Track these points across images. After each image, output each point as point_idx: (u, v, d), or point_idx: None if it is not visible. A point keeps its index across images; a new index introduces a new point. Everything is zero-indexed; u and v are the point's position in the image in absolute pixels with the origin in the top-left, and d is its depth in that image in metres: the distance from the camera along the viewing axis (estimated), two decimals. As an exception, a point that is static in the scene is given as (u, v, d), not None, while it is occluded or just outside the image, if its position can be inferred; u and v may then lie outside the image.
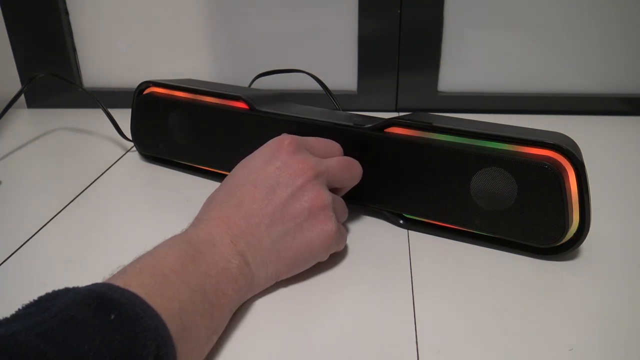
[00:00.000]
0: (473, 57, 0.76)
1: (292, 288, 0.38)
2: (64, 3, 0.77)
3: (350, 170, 0.42)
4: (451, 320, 0.35)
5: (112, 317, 0.24)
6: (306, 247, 0.37)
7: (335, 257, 0.42)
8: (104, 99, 0.65)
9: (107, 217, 0.49)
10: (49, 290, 0.26)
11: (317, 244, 0.37)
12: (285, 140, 0.39)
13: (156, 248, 0.33)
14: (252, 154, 0.40)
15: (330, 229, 0.38)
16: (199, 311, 0.30)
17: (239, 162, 0.52)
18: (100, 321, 0.24)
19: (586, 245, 0.40)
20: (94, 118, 0.72)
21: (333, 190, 0.42)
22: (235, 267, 0.34)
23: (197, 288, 0.30)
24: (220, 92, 0.52)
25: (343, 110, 0.67)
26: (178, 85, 0.55)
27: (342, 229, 0.41)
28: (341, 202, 0.42)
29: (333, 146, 0.44)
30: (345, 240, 0.42)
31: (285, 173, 0.38)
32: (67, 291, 0.26)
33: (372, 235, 0.45)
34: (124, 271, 0.29)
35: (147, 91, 0.56)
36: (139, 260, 0.31)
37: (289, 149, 0.39)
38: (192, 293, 0.30)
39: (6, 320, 0.24)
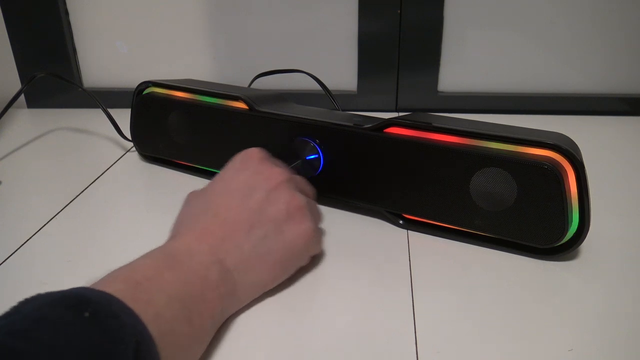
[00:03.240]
0: (473, 57, 0.76)
1: (292, 288, 0.38)
2: (64, 3, 0.77)
3: (309, 187, 0.43)
4: (451, 320, 0.35)
5: (87, 314, 0.24)
6: (287, 248, 0.37)
7: (335, 257, 0.42)
8: (104, 99, 0.65)
9: (106, 217, 0.49)
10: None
11: (298, 244, 0.37)
12: (253, 150, 0.41)
13: (133, 260, 0.32)
14: (221, 171, 0.40)
15: (309, 228, 0.38)
16: (177, 318, 0.29)
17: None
18: (75, 318, 0.23)
19: (586, 245, 0.40)
20: (94, 118, 0.72)
21: None
22: (216, 274, 0.33)
23: (175, 295, 0.30)
24: (219, 92, 0.52)
25: (343, 110, 0.67)
26: (178, 85, 0.55)
27: (319, 230, 0.41)
28: (314, 205, 0.42)
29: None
30: (322, 241, 0.42)
31: (257, 178, 0.38)
32: (39, 296, 0.25)
33: (372, 235, 0.45)
34: (97, 282, 0.29)
35: (146, 91, 0.56)
36: (113, 271, 0.30)
37: (258, 157, 0.40)
38: (168, 299, 0.29)
39: None
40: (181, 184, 0.55)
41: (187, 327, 0.30)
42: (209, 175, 0.55)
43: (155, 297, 0.28)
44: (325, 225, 0.47)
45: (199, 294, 0.31)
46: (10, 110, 0.67)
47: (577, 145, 0.41)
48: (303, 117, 0.47)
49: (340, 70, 0.78)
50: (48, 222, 0.48)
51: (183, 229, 0.36)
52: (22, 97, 0.81)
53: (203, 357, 0.32)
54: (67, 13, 0.78)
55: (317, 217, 0.41)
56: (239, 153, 0.41)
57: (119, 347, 0.23)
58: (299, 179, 0.42)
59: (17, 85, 0.79)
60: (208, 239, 0.34)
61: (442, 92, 0.78)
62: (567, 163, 0.38)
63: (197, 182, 0.55)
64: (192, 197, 0.39)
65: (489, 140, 0.41)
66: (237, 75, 0.78)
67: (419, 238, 0.44)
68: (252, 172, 0.39)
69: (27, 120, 0.77)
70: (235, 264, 0.34)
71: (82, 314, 0.24)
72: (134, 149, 0.63)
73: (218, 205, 0.37)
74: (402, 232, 0.45)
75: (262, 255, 0.36)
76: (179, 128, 0.54)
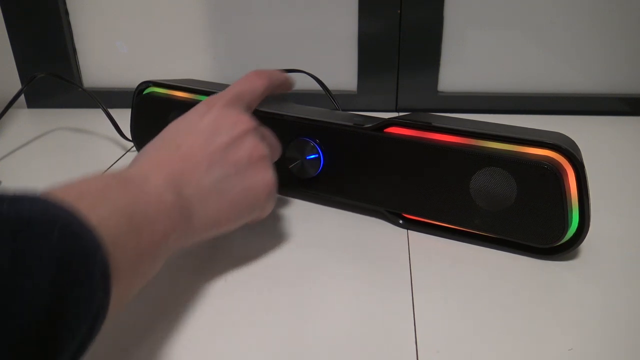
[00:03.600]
0: (473, 57, 0.76)
1: (291, 287, 0.38)
2: (64, 3, 0.77)
3: (276, 141, 0.42)
4: (450, 320, 0.35)
5: (55, 235, 0.22)
6: (246, 191, 0.36)
7: (335, 257, 0.42)
8: (104, 99, 0.65)
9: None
10: None
11: (257, 191, 0.37)
12: (220, 94, 0.40)
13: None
14: (185, 114, 0.39)
15: (270, 179, 0.38)
16: (123, 229, 0.27)
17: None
18: None
19: (586, 245, 0.40)
20: (94, 118, 0.72)
21: None
22: (170, 198, 0.31)
23: (122, 208, 0.27)
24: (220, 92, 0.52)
25: (343, 110, 0.67)
26: (178, 85, 0.55)
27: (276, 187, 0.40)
28: (276, 144, 0.42)
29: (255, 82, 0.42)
30: (274, 203, 0.40)
31: (222, 123, 0.37)
32: None
33: (371, 235, 0.45)
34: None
35: (147, 91, 0.56)
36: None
37: (223, 103, 0.39)
38: (113, 212, 0.27)
39: None
40: (181, 184, 0.54)
41: (135, 242, 0.28)
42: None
43: (98, 205, 0.26)
44: (325, 225, 0.47)
45: (150, 213, 0.29)
46: (10, 110, 0.67)
47: (577, 145, 0.41)
48: (303, 117, 0.47)
49: (340, 70, 0.78)
50: (48, 222, 0.47)
51: (140, 158, 0.35)
52: (22, 97, 0.81)
53: (201, 355, 0.32)
54: (67, 13, 0.78)
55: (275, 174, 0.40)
56: (205, 100, 0.40)
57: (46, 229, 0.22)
58: (265, 130, 0.41)
59: (17, 85, 0.79)
60: (166, 169, 0.33)
61: (442, 92, 0.78)
62: (567, 163, 0.38)
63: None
64: (173, 124, 0.38)
65: (489, 140, 0.41)
66: (237, 75, 0.77)
67: (419, 238, 0.44)
68: (218, 116, 0.38)
69: (27, 120, 0.77)
70: (192, 194, 0.33)
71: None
72: (134, 149, 0.63)
73: (181, 141, 0.36)
74: (402, 232, 0.45)
75: (220, 192, 0.35)
76: (179, 128, 0.54)
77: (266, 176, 0.38)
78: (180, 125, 0.38)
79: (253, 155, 0.37)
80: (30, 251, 0.21)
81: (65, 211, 0.24)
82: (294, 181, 0.49)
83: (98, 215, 0.25)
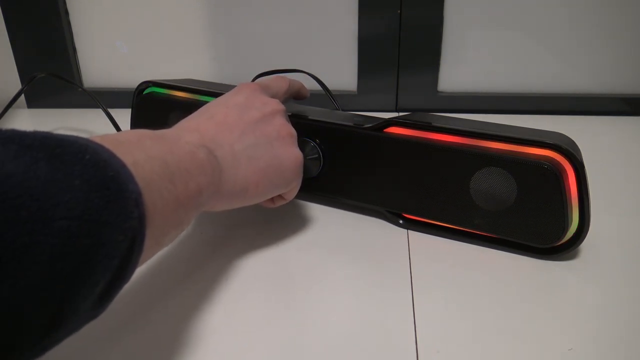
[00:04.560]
0: (473, 57, 0.76)
1: (291, 287, 0.38)
2: (64, 3, 0.77)
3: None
4: (451, 320, 0.35)
5: (87, 158, 0.23)
6: (275, 160, 0.38)
7: (335, 257, 0.42)
8: (104, 99, 0.65)
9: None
10: None
11: (286, 163, 0.39)
12: (250, 83, 0.43)
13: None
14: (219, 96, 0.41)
15: (298, 153, 0.40)
16: (157, 176, 0.27)
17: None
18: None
19: (586, 245, 0.40)
20: (94, 118, 0.72)
21: None
22: (203, 155, 0.32)
23: (156, 156, 0.28)
24: (219, 92, 0.52)
25: (343, 110, 0.67)
26: (178, 85, 0.55)
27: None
28: None
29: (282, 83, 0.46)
30: (297, 191, 0.42)
31: (255, 101, 0.40)
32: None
33: (372, 235, 0.45)
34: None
35: (147, 91, 0.56)
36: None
37: (254, 87, 0.42)
38: (148, 158, 0.27)
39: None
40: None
41: (168, 188, 0.28)
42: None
43: (134, 152, 0.27)
44: (325, 225, 0.47)
45: (184, 165, 0.30)
46: (10, 110, 0.67)
47: (577, 145, 0.41)
48: (303, 117, 0.47)
49: (340, 70, 0.78)
50: (48, 222, 0.47)
51: (177, 125, 0.36)
52: (22, 97, 0.81)
53: (201, 355, 0.32)
54: (67, 13, 0.78)
55: None
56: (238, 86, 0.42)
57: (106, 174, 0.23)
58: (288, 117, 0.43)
59: (17, 85, 0.79)
60: (200, 131, 0.35)
61: (442, 92, 0.78)
62: (567, 163, 0.38)
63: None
64: (207, 104, 0.40)
65: (489, 140, 0.41)
66: (237, 75, 0.78)
67: (419, 238, 0.44)
68: (250, 95, 0.40)
69: (27, 120, 0.77)
70: (224, 156, 0.35)
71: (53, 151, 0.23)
72: (134, 149, 0.63)
73: (214, 111, 0.38)
74: (402, 232, 0.45)
75: (250, 158, 0.37)
76: (179, 128, 0.54)
77: (294, 152, 0.40)
78: (214, 102, 0.40)
79: (282, 132, 0.39)
80: (64, 167, 0.22)
81: (104, 148, 0.25)
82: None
83: (133, 157, 0.26)
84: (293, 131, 0.41)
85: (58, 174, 0.22)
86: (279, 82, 0.46)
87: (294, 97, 0.49)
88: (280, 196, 0.41)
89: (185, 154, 0.31)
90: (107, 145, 0.25)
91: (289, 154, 0.39)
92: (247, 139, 0.37)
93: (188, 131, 0.35)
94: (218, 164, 0.34)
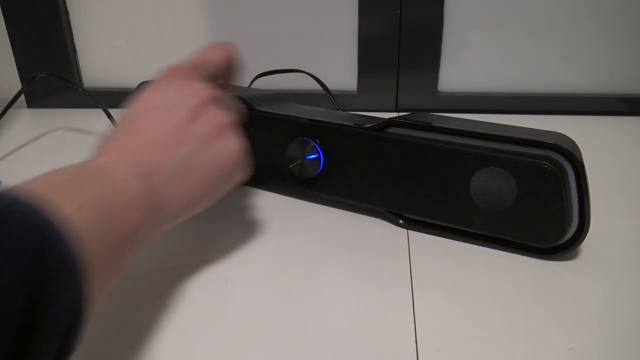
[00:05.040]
0: (473, 57, 0.76)
1: (291, 287, 0.38)
2: (64, 3, 0.77)
3: (238, 107, 0.41)
4: (451, 319, 0.35)
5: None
6: (217, 165, 0.36)
7: (335, 257, 0.42)
8: (104, 99, 0.65)
9: (107, 217, 0.49)
10: None
11: (225, 163, 0.36)
12: (174, 66, 0.39)
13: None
14: (141, 92, 0.38)
15: (237, 146, 0.37)
16: (93, 224, 0.26)
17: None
18: None
19: (586, 245, 0.40)
20: (94, 118, 0.72)
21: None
22: (137, 186, 0.31)
23: (90, 202, 0.27)
24: (220, 92, 0.52)
25: (343, 110, 0.67)
26: (178, 85, 0.54)
27: (246, 152, 0.39)
28: (236, 105, 0.41)
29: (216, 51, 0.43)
30: (251, 168, 0.40)
31: (181, 95, 0.36)
32: None
33: (372, 235, 0.45)
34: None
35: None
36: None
37: (177, 74, 0.38)
38: (82, 205, 0.26)
39: None
40: (181, 184, 0.54)
41: (105, 234, 0.27)
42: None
43: (69, 200, 0.26)
44: (325, 225, 0.47)
45: (119, 205, 0.29)
46: (10, 110, 0.67)
47: (577, 145, 0.41)
48: (303, 117, 0.47)
49: (340, 70, 0.78)
50: (48, 222, 0.47)
51: (107, 145, 0.34)
52: (22, 97, 0.81)
53: (201, 355, 0.32)
54: (67, 13, 0.78)
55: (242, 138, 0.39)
56: (161, 71, 0.39)
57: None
58: (224, 95, 0.40)
59: (17, 85, 0.79)
60: (132, 156, 0.32)
61: (442, 92, 0.78)
62: (567, 163, 0.38)
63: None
64: (131, 105, 0.37)
65: (489, 140, 0.41)
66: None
67: (419, 238, 0.44)
68: (175, 88, 0.37)
69: (27, 120, 0.77)
70: (159, 179, 0.32)
71: None
72: (134, 149, 0.63)
73: (140, 123, 0.35)
74: (402, 232, 0.45)
75: (187, 172, 0.34)
76: (179, 128, 0.54)
77: (232, 144, 0.37)
78: (139, 105, 0.36)
79: (215, 125, 0.36)
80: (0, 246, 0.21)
81: (34, 205, 0.23)
82: (294, 181, 0.49)
83: (69, 208, 0.25)
84: (227, 119, 0.37)
85: None
86: (213, 55, 0.42)
87: (228, 75, 0.44)
88: None
89: (116, 191, 0.29)
90: (38, 191, 0.24)
91: (227, 149, 0.36)
92: (181, 151, 0.34)
93: (122, 157, 0.32)
94: (155, 193, 0.32)
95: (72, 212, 0.25)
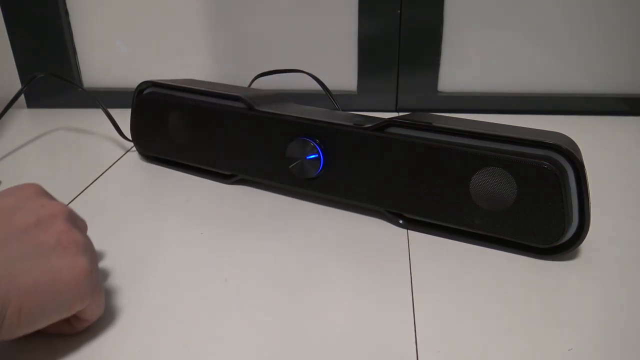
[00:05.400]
0: (473, 57, 0.76)
1: (291, 287, 0.38)
2: (64, 3, 0.77)
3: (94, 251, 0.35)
4: (451, 320, 0.35)
5: None
6: (49, 277, 0.29)
7: (335, 257, 0.42)
8: (104, 99, 0.65)
9: (106, 217, 0.49)
10: None
11: (65, 278, 0.30)
12: (26, 184, 0.34)
13: None
14: None
15: (83, 265, 0.31)
16: None
17: (238, 161, 0.52)
18: None
19: (586, 245, 0.40)
20: (94, 118, 0.72)
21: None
22: None
23: None
24: (219, 92, 0.52)
25: (343, 110, 0.67)
26: (178, 85, 0.55)
27: (100, 286, 0.33)
28: (95, 256, 0.34)
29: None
30: (103, 306, 0.34)
31: (29, 203, 0.32)
32: None
33: (372, 235, 0.45)
34: None
35: (147, 91, 0.56)
36: None
37: (33, 189, 0.34)
38: None
39: None
40: (181, 184, 0.55)
41: None
42: (209, 175, 0.55)
43: None
44: (325, 225, 0.47)
45: None
46: (10, 110, 0.67)
47: (577, 145, 0.41)
48: (303, 117, 0.47)
49: (340, 70, 0.78)
50: (48, 222, 0.47)
51: None
52: (22, 97, 0.81)
53: (201, 355, 0.32)
54: (67, 13, 0.78)
55: (95, 265, 0.33)
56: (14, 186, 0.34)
57: None
58: (81, 220, 0.36)
59: (17, 85, 0.79)
60: None
61: (442, 92, 0.78)
62: (567, 163, 0.38)
63: (197, 182, 0.55)
64: None
65: (489, 140, 0.41)
66: (238, 75, 0.78)
67: (419, 238, 0.44)
68: (26, 195, 0.33)
69: (27, 120, 0.77)
70: None
71: None
72: (134, 149, 0.63)
73: None
74: (402, 232, 0.45)
75: (14, 275, 0.28)
76: (179, 128, 0.54)
77: (78, 260, 0.31)
78: None
79: (63, 239, 0.31)
80: None
81: None
82: (294, 181, 0.49)
83: None
84: (79, 238, 0.32)
85: None
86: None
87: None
88: (76, 317, 0.32)
89: None
90: None
91: (68, 265, 0.30)
92: (10, 250, 0.28)
93: None
94: None
95: None
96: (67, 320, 0.32)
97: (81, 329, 0.33)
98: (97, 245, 0.44)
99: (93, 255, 0.33)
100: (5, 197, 0.32)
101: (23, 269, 0.28)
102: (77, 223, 0.34)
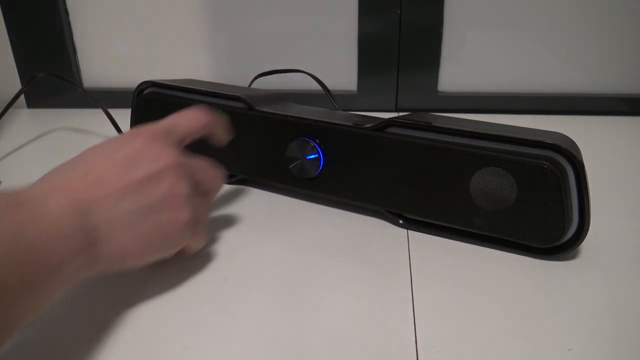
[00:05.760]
0: (473, 57, 0.76)
1: (291, 287, 0.38)
2: (64, 3, 0.77)
3: (213, 173, 0.41)
4: (451, 320, 0.35)
5: None
6: (159, 230, 0.34)
7: (335, 257, 0.42)
8: (104, 99, 0.65)
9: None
10: None
11: (172, 229, 0.35)
12: (143, 128, 0.37)
13: None
14: (106, 140, 0.37)
15: (184, 217, 0.36)
16: (7, 254, 0.25)
17: (238, 161, 0.52)
18: None
19: (586, 245, 0.40)
20: (94, 118, 0.72)
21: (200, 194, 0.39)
22: (71, 224, 0.29)
23: (6, 231, 0.26)
24: (219, 92, 0.52)
25: (343, 110, 0.67)
26: (178, 85, 0.55)
27: (202, 227, 0.39)
28: (204, 204, 0.40)
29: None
30: (205, 240, 0.40)
31: (144, 155, 0.35)
32: None
33: (372, 235, 0.45)
34: None
35: (147, 91, 0.56)
36: None
37: (149, 134, 0.36)
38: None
39: None
40: (181, 184, 0.54)
41: (21, 266, 0.26)
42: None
43: None
44: (325, 225, 0.47)
45: (43, 237, 0.27)
46: (10, 110, 0.67)
47: (577, 145, 0.41)
48: (303, 117, 0.47)
49: (340, 70, 0.78)
50: (48, 222, 0.47)
51: (46, 178, 0.33)
52: (22, 97, 0.81)
53: (201, 355, 0.32)
54: (67, 13, 0.78)
55: (200, 210, 0.38)
56: (131, 130, 0.38)
57: None
58: (196, 164, 0.39)
59: (17, 85, 0.79)
60: (72, 193, 0.31)
61: (442, 92, 0.78)
62: (567, 163, 0.38)
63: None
64: (90, 148, 0.36)
65: (489, 140, 0.41)
66: (238, 75, 0.78)
67: (419, 238, 0.44)
68: (141, 147, 0.35)
69: (27, 120, 0.77)
70: (99, 224, 0.31)
71: None
72: (134, 149, 0.63)
73: (94, 166, 0.33)
74: (402, 232, 0.45)
75: (129, 225, 0.33)
76: (179, 128, 0.54)
77: (181, 216, 0.35)
78: (97, 150, 0.35)
79: (170, 193, 0.35)
80: None
81: None
82: (294, 181, 0.49)
83: None
84: (184, 190, 0.36)
85: None
86: (191, 120, 0.40)
87: (210, 139, 0.44)
88: (181, 251, 0.39)
89: (47, 225, 0.28)
90: None
91: (174, 218, 0.35)
92: (127, 204, 0.33)
93: (56, 192, 0.30)
94: (91, 233, 0.31)
95: None
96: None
97: (190, 255, 0.40)
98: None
99: (200, 206, 0.38)
100: (124, 147, 0.35)
101: (137, 222, 0.33)
102: (188, 165, 0.38)
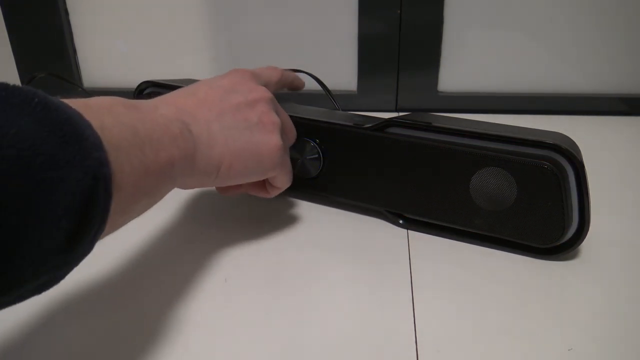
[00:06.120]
0: (473, 57, 0.76)
1: (291, 287, 0.38)
2: (64, 3, 0.77)
3: (291, 124, 0.44)
4: (451, 320, 0.35)
5: (36, 101, 0.22)
6: (253, 147, 0.37)
7: (335, 257, 0.42)
8: (104, 99, 0.65)
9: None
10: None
11: (265, 149, 0.38)
12: (238, 69, 0.42)
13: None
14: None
15: (278, 142, 0.39)
16: (126, 142, 0.27)
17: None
18: (22, 105, 0.22)
19: (586, 245, 0.40)
20: (94, 118, 0.72)
21: None
22: (177, 129, 0.32)
23: (126, 123, 0.27)
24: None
25: (343, 110, 0.67)
26: (178, 85, 0.54)
27: (289, 165, 0.42)
28: (291, 128, 0.44)
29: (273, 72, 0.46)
30: (290, 181, 0.43)
31: (242, 87, 0.39)
32: None
33: (372, 235, 0.45)
34: None
35: (147, 91, 0.56)
36: None
37: (243, 73, 0.41)
38: (117, 123, 0.27)
39: None
40: (181, 184, 0.54)
41: (138, 154, 0.27)
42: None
43: (104, 117, 0.26)
44: (325, 225, 0.47)
45: (156, 134, 0.30)
46: (10, 110, 0.67)
47: (577, 145, 0.41)
48: (303, 117, 0.47)
49: (340, 70, 0.78)
50: (48, 222, 0.47)
51: (158, 97, 0.36)
52: (22, 97, 0.81)
53: (201, 355, 0.32)
54: (67, 13, 0.78)
55: (286, 144, 0.42)
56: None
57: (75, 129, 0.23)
58: (281, 109, 0.42)
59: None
60: (177, 106, 0.34)
61: (442, 92, 0.78)
62: (567, 163, 0.38)
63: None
64: (195, 83, 0.40)
65: (489, 140, 0.40)
66: (237, 75, 0.78)
67: (419, 238, 0.44)
68: (238, 80, 0.40)
69: (27, 120, 0.77)
70: (199, 132, 0.34)
71: (30, 101, 0.22)
72: (134, 149, 0.63)
73: (198, 89, 0.38)
74: (402, 232, 0.45)
75: (226, 139, 0.36)
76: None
77: (273, 139, 0.39)
78: (202, 81, 0.40)
79: (263, 119, 0.38)
80: (10, 109, 0.21)
81: (66, 105, 0.24)
82: (294, 181, 0.49)
83: (101, 121, 0.25)
84: (276, 119, 0.39)
85: (2, 113, 0.21)
86: (270, 72, 0.46)
87: (288, 87, 0.50)
88: (269, 184, 0.42)
89: (158, 125, 0.30)
90: (75, 107, 0.25)
91: (267, 140, 0.38)
92: (226, 120, 0.36)
93: (165, 104, 0.34)
94: (192, 139, 0.33)
95: (108, 125, 0.26)
96: (263, 186, 0.43)
97: (274, 194, 0.43)
98: (96, 246, 0.44)
99: (285, 136, 0.42)
100: (224, 79, 0.40)
101: (234, 137, 0.36)
102: (277, 107, 0.41)
